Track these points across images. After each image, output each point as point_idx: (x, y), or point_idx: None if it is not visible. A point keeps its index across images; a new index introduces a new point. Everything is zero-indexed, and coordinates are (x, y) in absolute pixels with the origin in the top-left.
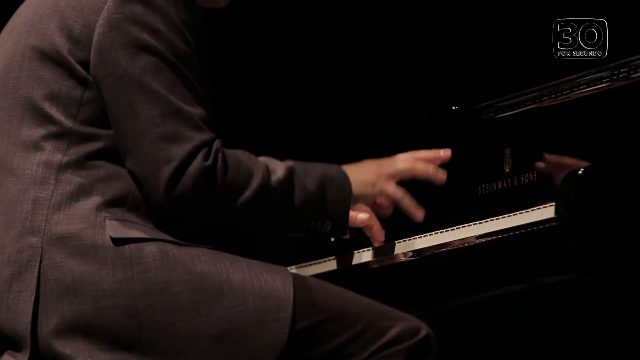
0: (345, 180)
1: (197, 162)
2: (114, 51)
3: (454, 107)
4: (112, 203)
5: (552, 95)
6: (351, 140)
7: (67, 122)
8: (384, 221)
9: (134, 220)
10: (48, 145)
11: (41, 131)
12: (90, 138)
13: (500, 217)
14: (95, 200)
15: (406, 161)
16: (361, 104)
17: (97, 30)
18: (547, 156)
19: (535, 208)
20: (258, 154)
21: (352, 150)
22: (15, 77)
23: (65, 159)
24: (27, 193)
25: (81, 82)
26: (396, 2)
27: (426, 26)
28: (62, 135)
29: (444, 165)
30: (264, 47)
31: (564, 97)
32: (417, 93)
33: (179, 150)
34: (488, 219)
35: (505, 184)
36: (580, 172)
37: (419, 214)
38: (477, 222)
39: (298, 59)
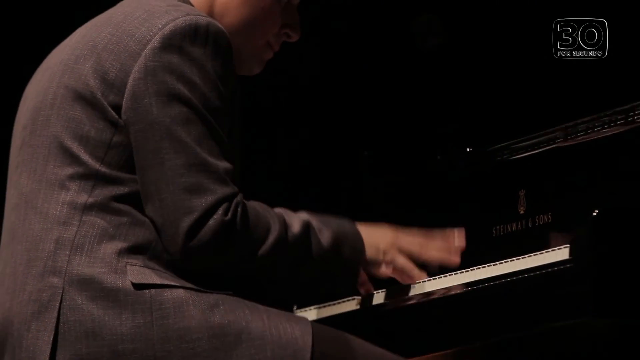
0: (358, 241)
1: (218, 215)
2: (147, 98)
3: (468, 149)
4: (134, 249)
5: (568, 137)
6: (367, 181)
7: (94, 164)
8: None
9: (155, 267)
10: (73, 185)
11: (67, 170)
12: (116, 181)
13: (514, 258)
14: (117, 245)
15: (422, 246)
16: (377, 146)
17: (133, 75)
18: (562, 198)
19: (550, 250)
20: (275, 195)
21: (368, 192)
22: (45, 114)
23: (90, 200)
24: (51, 232)
25: (111, 125)
26: (410, 46)
27: (440, 69)
28: (88, 177)
29: (459, 205)
30: (285, 88)
31: (579, 138)
32: (432, 135)
33: (201, 202)
34: (502, 261)
35: (519, 226)
36: (595, 214)
37: (453, 259)
38: (491, 264)
39: (316, 101)
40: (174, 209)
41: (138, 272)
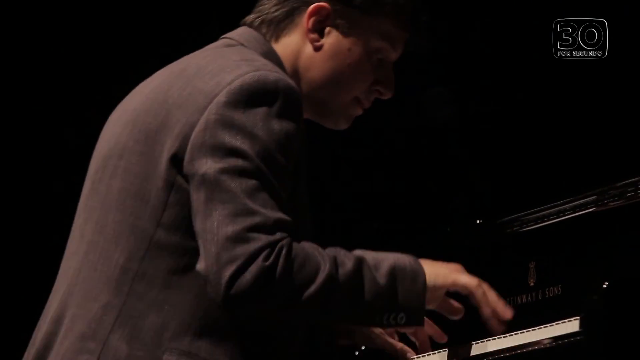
0: (418, 270)
1: (258, 262)
2: (203, 150)
3: (478, 221)
4: (179, 327)
5: (576, 209)
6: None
7: (150, 227)
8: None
9: (198, 354)
10: (128, 248)
11: (126, 229)
12: (169, 250)
13: (524, 330)
14: (162, 322)
15: (483, 282)
16: (386, 218)
17: (196, 129)
18: (572, 269)
19: (560, 322)
20: None
21: None
22: (113, 164)
23: (142, 267)
24: (102, 294)
25: (169, 184)
26: (421, 119)
27: (450, 142)
28: (143, 239)
29: None
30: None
31: (588, 209)
32: (442, 207)
33: (244, 250)
34: (512, 333)
35: (529, 298)
36: (605, 286)
37: (507, 312)
38: (501, 335)
39: (331, 172)
40: (218, 259)
41: None
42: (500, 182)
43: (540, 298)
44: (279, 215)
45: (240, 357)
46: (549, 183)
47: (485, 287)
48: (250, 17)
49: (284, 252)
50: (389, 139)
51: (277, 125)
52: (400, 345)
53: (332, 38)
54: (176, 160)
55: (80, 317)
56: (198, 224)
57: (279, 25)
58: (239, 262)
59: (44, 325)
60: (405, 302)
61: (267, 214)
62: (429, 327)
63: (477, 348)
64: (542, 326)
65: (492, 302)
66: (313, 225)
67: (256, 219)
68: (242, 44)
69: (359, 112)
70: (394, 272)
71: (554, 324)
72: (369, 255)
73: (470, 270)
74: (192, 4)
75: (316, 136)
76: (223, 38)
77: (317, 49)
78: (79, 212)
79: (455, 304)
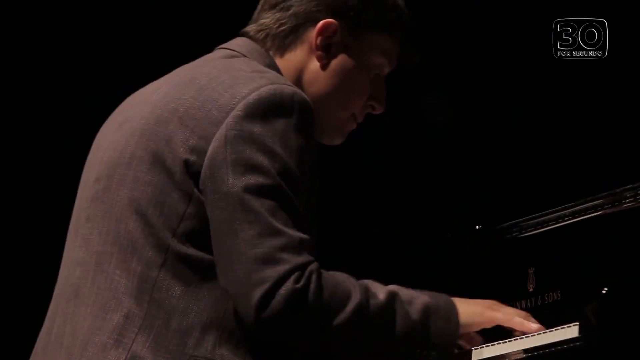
0: (452, 309)
1: (289, 284)
2: (224, 167)
3: (477, 227)
4: (202, 332)
5: (576, 215)
6: (375, 259)
7: (167, 236)
8: None
9: (222, 354)
10: (145, 257)
11: (141, 238)
12: (186, 259)
13: (523, 336)
14: (184, 328)
15: (518, 312)
16: (386, 224)
17: (213, 143)
18: (571, 275)
19: (559, 327)
20: None
21: (376, 270)
22: (122, 173)
23: (161, 276)
24: (121, 304)
25: (186, 195)
26: (421, 127)
27: (450, 149)
28: (160, 248)
29: (468, 283)
30: None
31: (588, 215)
32: (442, 213)
33: (273, 272)
34: (512, 339)
35: (529, 303)
36: (604, 292)
37: (532, 326)
38: (500, 341)
39: (331, 177)
40: (246, 281)
41: None
42: (499, 187)
43: (539, 304)
44: (302, 235)
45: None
46: (549, 188)
47: (523, 316)
48: (251, 29)
49: (314, 276)
50: (388, 144)
51: (295, 141)
52: None
53: (338, 55)
54: (192, 173)
55: (100, 329)
56: (221, 243)
57: (284, 41)
58: (269, 285)
59: (50, 338)
60: (437, 340)
61: (292, 234)
62: None
63: (476, 354)
64: (541, 332)
65: (528, 329)
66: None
67: (282, 240)
68: (244, 56)
69: (354, 127)
70: (428, 310)
71: (553, 329)
72: (403, 291)
73: (470, 275)
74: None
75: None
76: (221, 48)
77: (324, 66)
78: (78, 221)
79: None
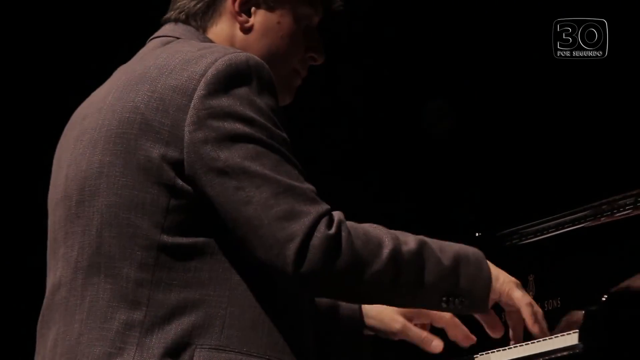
0: (482, 261)
1: (320, 232)
2: (209, 147)
3: (477, 234)
4: (206, 323)
5: (576, 222)
6: None
7: (155, 233)
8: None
9: (228, 345)
10: (136, 259)
11: (127, 242)
12: (180, 252)
13: (524, 343)
14: (188, 322)
15: (534, 303)
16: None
17: (187, 128)
18: (571, 282)
19: (559, 335)
20: None
21: None
22: (93, 184)
23: (156, 275)
24: (118, 311)
25: (166, 188)
26: (422, 133)
27: (451, 156)
28: (149, 248)
29: None
30: None
31: (588, 222)
32: (442, 219)
33: (299, 226)
34: (512, 346)
35: None
36: (604, 299)
37: (541, 325)
38: (500, 349)
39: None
40: (275, 242)
41: (206, 357)
42: (499, 194)
43: None
44: (310, 185)
45: (269, 346)
46: (549, 195)
47: (536, 307)
48: (172, 14)
49: (343, 225)
50: (389, 151)
51: (263, 103)
52: (425, 333)
53: (260, 16)
54: (171, 163)
55: (100, 339)
56: (236, 216)
57: (204, 17)
58: (300, 238)
59: (50, 355)
60: (469, 286)
61: (303, 186)
62: (457, 329)
63: None
64: (541, 339)
65: (540, 323)
66: None
67: (296, 193)
68: (180, 38)
69: (299, 82)
70: (459, 257)
71: (553, 337)
72: (432, 240)
73: None
74: None
75: (316, 146)
76: (153, 39)
77: (248, 30)
78: (55, 243)
79: (499, 323)
